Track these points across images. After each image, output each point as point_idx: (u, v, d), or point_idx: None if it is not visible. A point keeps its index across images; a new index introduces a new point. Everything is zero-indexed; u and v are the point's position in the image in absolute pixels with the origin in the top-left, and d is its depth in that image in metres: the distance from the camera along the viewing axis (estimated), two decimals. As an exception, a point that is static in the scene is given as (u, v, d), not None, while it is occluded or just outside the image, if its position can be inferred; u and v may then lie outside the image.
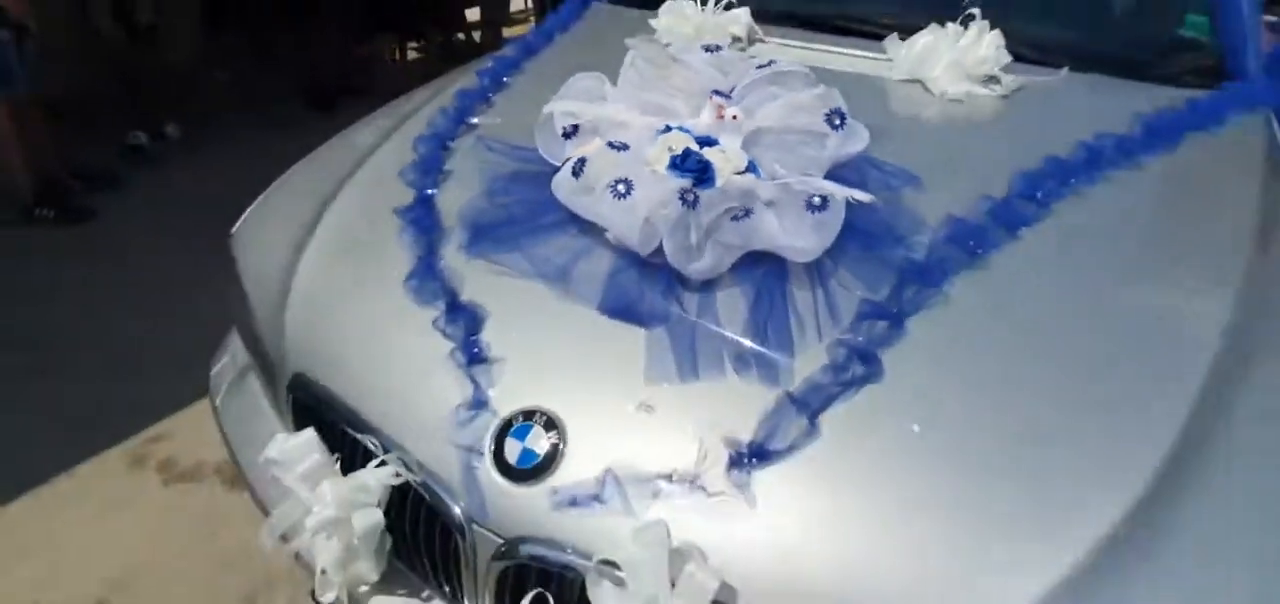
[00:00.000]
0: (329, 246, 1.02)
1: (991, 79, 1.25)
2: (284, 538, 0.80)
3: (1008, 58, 1.25)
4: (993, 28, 1.27)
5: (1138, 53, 1.42)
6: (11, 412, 1.88)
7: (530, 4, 5.32)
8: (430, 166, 1.10)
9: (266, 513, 0.85)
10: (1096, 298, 0.83)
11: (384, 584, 0.83)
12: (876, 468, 0.69)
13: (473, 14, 6.09)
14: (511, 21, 5.11)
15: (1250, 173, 1.05)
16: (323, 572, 0.79)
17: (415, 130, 1.22)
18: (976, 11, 1.28)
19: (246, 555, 1.50)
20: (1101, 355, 0.77)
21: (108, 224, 2.87)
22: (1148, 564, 0.60)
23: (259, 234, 1.13)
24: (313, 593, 0.84)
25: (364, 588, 0.83)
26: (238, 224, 1.20)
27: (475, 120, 1.24)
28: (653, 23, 1.51)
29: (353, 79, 4.62)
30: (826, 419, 0.70)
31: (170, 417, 1.87)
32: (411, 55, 5.66)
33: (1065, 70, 1.30)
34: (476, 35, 5.85)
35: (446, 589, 0.81)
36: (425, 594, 0.84)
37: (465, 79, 1.43)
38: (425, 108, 1.32)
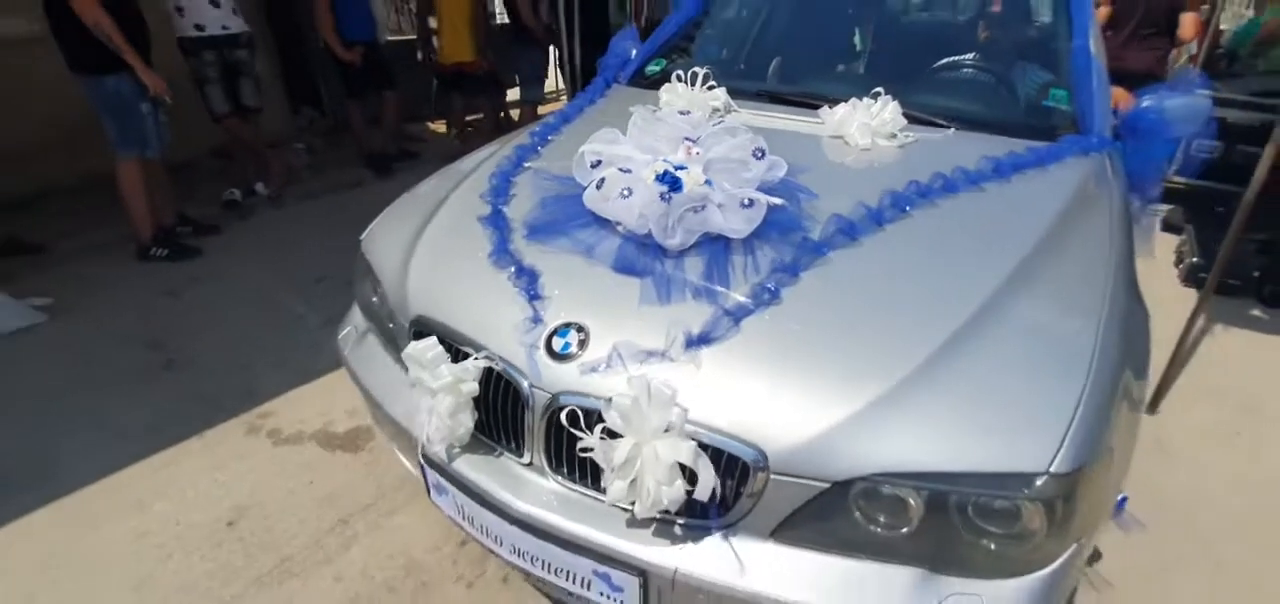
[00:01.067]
0: (434, 240, 1.54)
1: (892, 135, 1.77)
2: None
3: (903, 122, 1.78)
4: (894, 99, 1.80)
5: (1011, 115, 1.95)
6: (150, 394, 2.40)
7: (562, 85, 6.03)
8: (501, 191, 1.63)
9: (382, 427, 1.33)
10: (921, 259, 1.32)
11: (472, 445, 1.30)
12: (772, 348, 1.15)
13: (512, 94, 6.93)
14: (545, 100, 5.84)
15: (1060, 189, 1.53)
16: (435, 429, 1.27)
17: (489, 169, 1.76)
18: (882, 90, 1.82)
19: (341, 493, 1.97)
20: (919, 288, 1.24)
21: (212, 261, 3.47)
22: (926, 392, 1.06)
23: (383, 236, 1.65)
24: (422, 454, 1.32)
25: (457, 450, 1.30)
26: (365, 233, 1.72)
27: (529, 164, 1.78)
28: (659, 96, 2.05)
29: (406, 148, 5.34)
30: (745, 324, 1.17)
31: (274, 399, 2.38)
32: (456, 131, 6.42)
33: (953, 129, 1.82)
34: (515, 113, 6.63)
35: (512, 446, 1.28)
36: (497, 451, 1.30)
37: (520, 137, 1.99)
38: (495, 155, 1.87)
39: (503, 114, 6.58)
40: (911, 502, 1.04)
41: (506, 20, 5.90)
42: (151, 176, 3.39)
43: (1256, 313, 3.18)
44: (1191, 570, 1.77)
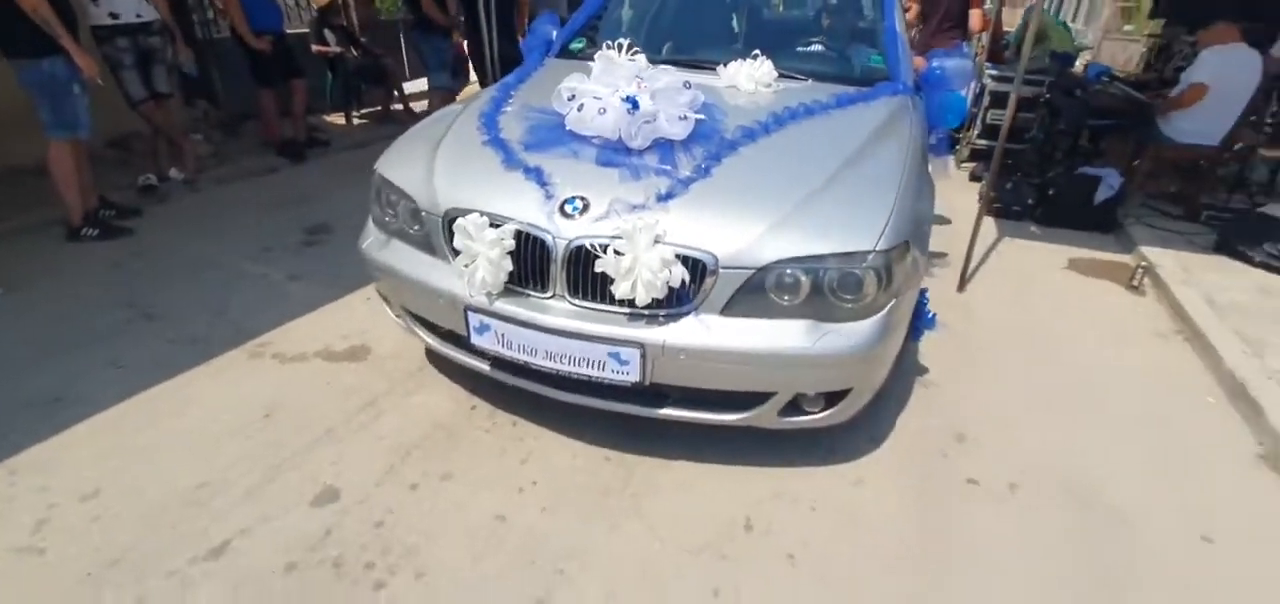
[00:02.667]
0: (448, 160, 2.02)
1: (767, 85, 2.49)
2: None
3: (775, 75, 2.51)
4: (769, 59, 2.52)
5: (847, 71, 2.75)
6: (142, 340, 2.61)
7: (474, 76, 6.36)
8: (492, 126, 2.14)
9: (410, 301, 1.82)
10: (795, 149, 2.02)
11: (506, 291, 1.82)
12: (711, 198, 1.78)
13: (414, 87, 7.16)
14: (455, 88, 6.16)
15: (876, 114, 2.30)
16: (481, 279, 1.77)
17: (474, 113, 2.26)
18: (759, 52, 2.53)
19: (359, 387, 2.35)
20: (794, 164, 1.93)
21: (146, 238, 3.57)
22: (803, 215, 1.73)
23: (400, 163, 2.11)
24: (466, 305, 1.81)
25: (496, 295, 1.80)
26: (380, 160, 2.16)
27: (508, 107, 2.30)
28: (590, 65, 2.62)
29: (316, 136, 5.47)
30: (692, 187, 1.80)
31: (266, 333, 2.67)
32: (356, 121, 6.57)
33: (810, 81, 2.58)
34: (415, 105, 6.87)
35: (538, 286, 1.80)
36: (525, 294, 1.82)
37: (486, 93, 2.49)
38: (472, 108, 2.36)
39: (401, 105, 6.82)
40: (801, 279, 1.70)
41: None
42: (79, 159, 3.43)
43: (1033, 229, 4.32)
44: (982, 369, 2.63)
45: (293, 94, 5.11)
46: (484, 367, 2.01)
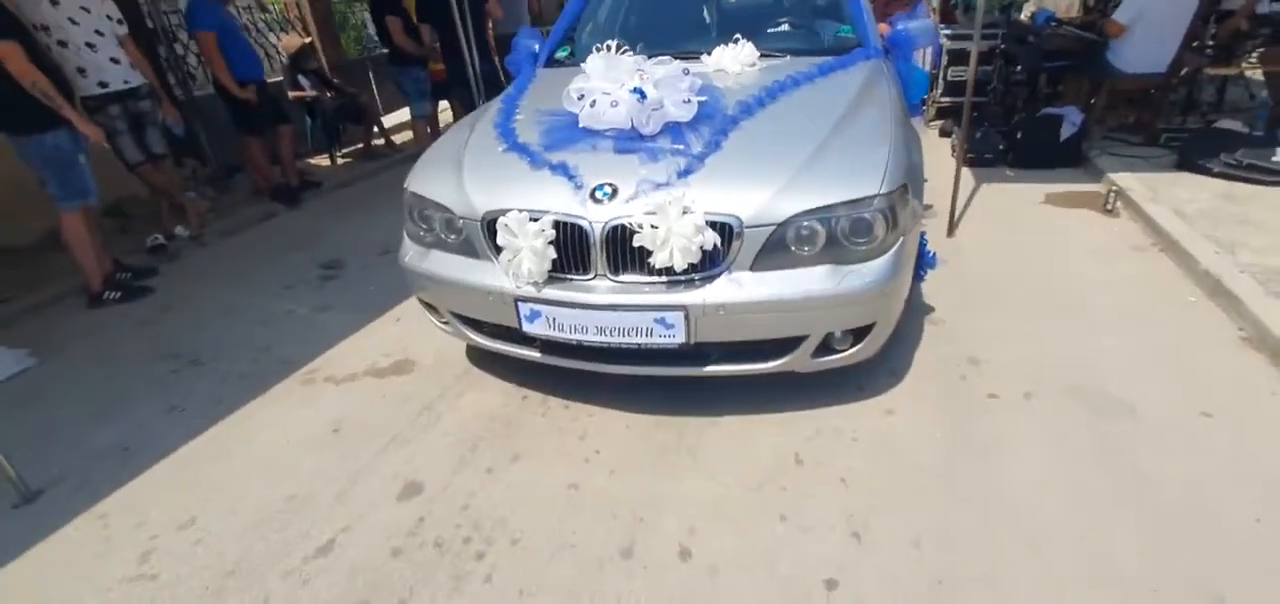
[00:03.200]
0: (475, 165, 2.19)
1: (751, 64, 2.68)
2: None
3: (757, 55, 2.70)
4: (750, 42, 2.72)
5: (819, 44, 2.96)
6: (193, 384, 2.72)
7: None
8: (508, 131, 2.31)
9: (455, 302, 1.98)
10: (791, 117, 2.21)
11: (550, 279, 1.97)
12: (727, 168, 1.96)
13: (389, 119, 7.26)
14: (435, 115, 6.29)
15: (855, 78, 2.50)
16: (527, 271, 1.92)
17: (487, 125, 2.42)
18: (740, 37, 2.73)
19: (412, 395, 2.48)
20: (794, 129, 2.12)
21: (167, 295, 3.66)
22: (810, 173, 1.92)
23: (429, 177, 2.26)
24: (516, 295, 1.97)
25: (542, 283, 1.96)
26: (409, 179, 2.31)
27: (519, 115, 2.46)
28: (582, 69, 2.78)
29: (307, 179, 5.57)
30: (707, 162, 1.97)
31: (311, 361, 2.79)
32: (340, 161, 6.66)
33: (789, 57, 2.78)
34: (396, 138, 6.99)
35: (579, 270, 1.96)
36: (570, 278, 1.98)
37: (494, 105, 2.66)
38: (483, 118, 2.52)
39: (382, 140, 6.94)
40: (817, 229, 1.89)
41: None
42: (91, 226, 3.52)
43: (1008, 173, 4.57)
44: (982, 301, 2.84)
45: (279, 140, 5.20)
46: (535, 354, 2.17)
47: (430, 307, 2.39)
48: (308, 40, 6.80)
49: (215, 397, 2.58)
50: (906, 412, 2.17)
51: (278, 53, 7.18)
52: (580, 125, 2.20)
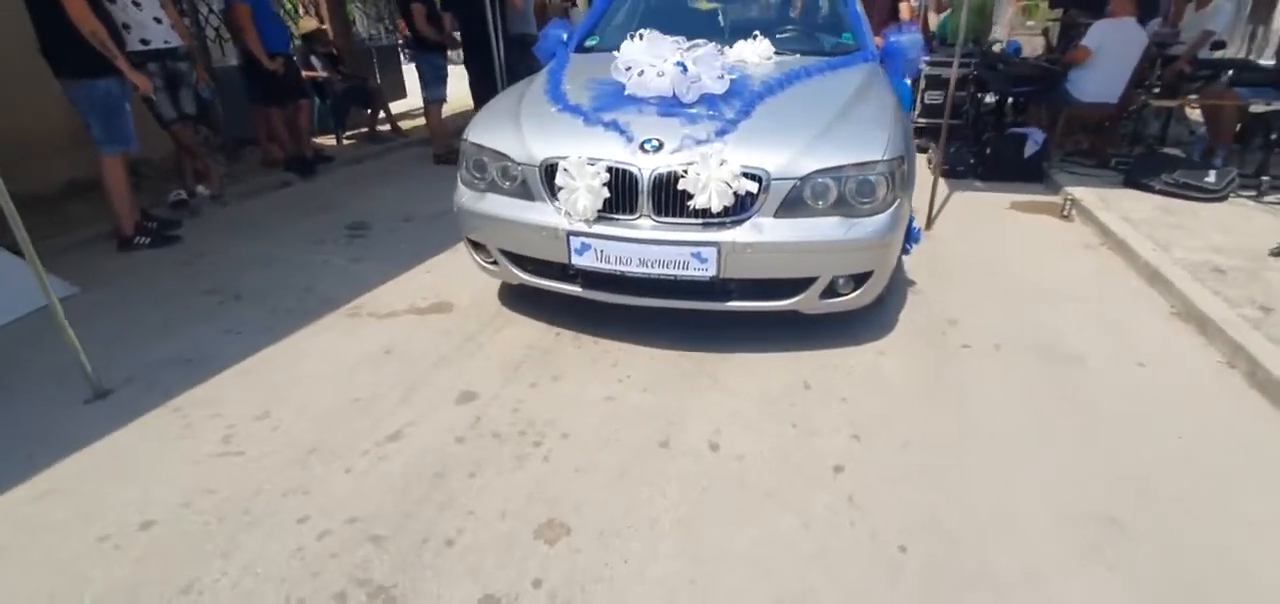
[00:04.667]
0: (533, 121, 2.49)
1: (768, 57, 3.04)
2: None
3: (773, 50, 3.07)
4: (767, 39, 3.09)
5: (824, 47, 3.34)
6: (240, 315, 2.91)
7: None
8: (559, 96, 2.61)
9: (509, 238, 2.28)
10: (808, 98, 2.57)
11: (600, 219, 2.27)
12: (756, 131, 2.30)
13: (397, 106, 7.46)
14: (445, 98, 6.55)
15: (857, 75, 2.88)
16: (581, 208, 2.22)
17: (540, 88, 2.72)
18: (758, 33, 3.09)
19: (454, 329, 2.73)
20: (811, 107, 2.47)
21: (197, 244, 3.82)
22: (826, 140, 2.27)
23: (489, 130, 2.55)
24: (568, 230, 2.26)
25: (592, 220, 2.25)
26: (468, 129, 2.60)
27: (567, 83, 2.76)
28: (614, 55, 3.10)
29: (321, 153, 5.76)
30: (740, 126, 2.31)
31: (355, 299, 3.01)
32: (346, 142, 6.84)
33: (799, 55, 3.15)
34: (403, 124, 7.20)
35: (627, 210, 2.26)
36: (617, 218, 2.27)
37: (538, 77, 2.96)
38: (531, 86, 2.82)
39: (388, 126, 7.15)
40: (830, 186, 2.23)
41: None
42: (126, 173, 3.67)
43: (977, 184, 5.03)
44: (958, 279, 3.22)
45: (298, 112, 5.39)
46: (576, 289, 2.45)
47: (478, 245, 2.66)
48: (322, 25, 6.99)
49: (267, 326, 2.79)
50: (896, 354, 2.52)
51: (291, 32, 7.35)
52: (626, 93, 2.51)
